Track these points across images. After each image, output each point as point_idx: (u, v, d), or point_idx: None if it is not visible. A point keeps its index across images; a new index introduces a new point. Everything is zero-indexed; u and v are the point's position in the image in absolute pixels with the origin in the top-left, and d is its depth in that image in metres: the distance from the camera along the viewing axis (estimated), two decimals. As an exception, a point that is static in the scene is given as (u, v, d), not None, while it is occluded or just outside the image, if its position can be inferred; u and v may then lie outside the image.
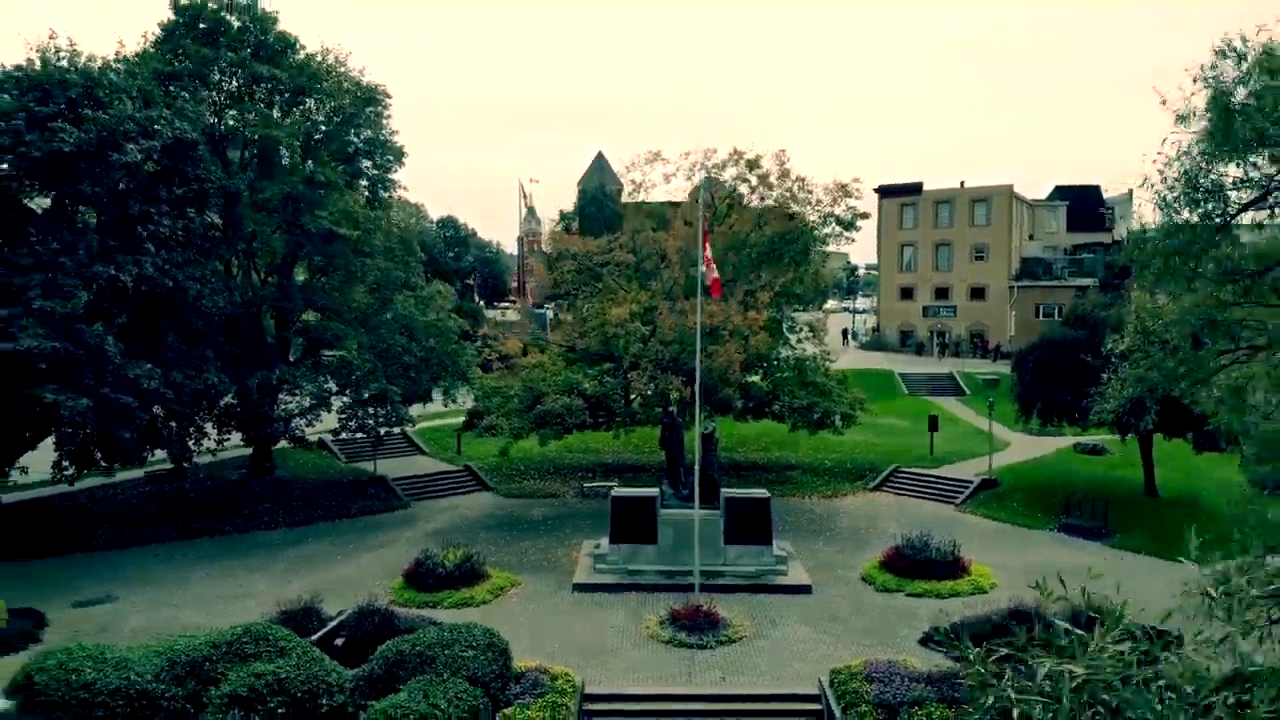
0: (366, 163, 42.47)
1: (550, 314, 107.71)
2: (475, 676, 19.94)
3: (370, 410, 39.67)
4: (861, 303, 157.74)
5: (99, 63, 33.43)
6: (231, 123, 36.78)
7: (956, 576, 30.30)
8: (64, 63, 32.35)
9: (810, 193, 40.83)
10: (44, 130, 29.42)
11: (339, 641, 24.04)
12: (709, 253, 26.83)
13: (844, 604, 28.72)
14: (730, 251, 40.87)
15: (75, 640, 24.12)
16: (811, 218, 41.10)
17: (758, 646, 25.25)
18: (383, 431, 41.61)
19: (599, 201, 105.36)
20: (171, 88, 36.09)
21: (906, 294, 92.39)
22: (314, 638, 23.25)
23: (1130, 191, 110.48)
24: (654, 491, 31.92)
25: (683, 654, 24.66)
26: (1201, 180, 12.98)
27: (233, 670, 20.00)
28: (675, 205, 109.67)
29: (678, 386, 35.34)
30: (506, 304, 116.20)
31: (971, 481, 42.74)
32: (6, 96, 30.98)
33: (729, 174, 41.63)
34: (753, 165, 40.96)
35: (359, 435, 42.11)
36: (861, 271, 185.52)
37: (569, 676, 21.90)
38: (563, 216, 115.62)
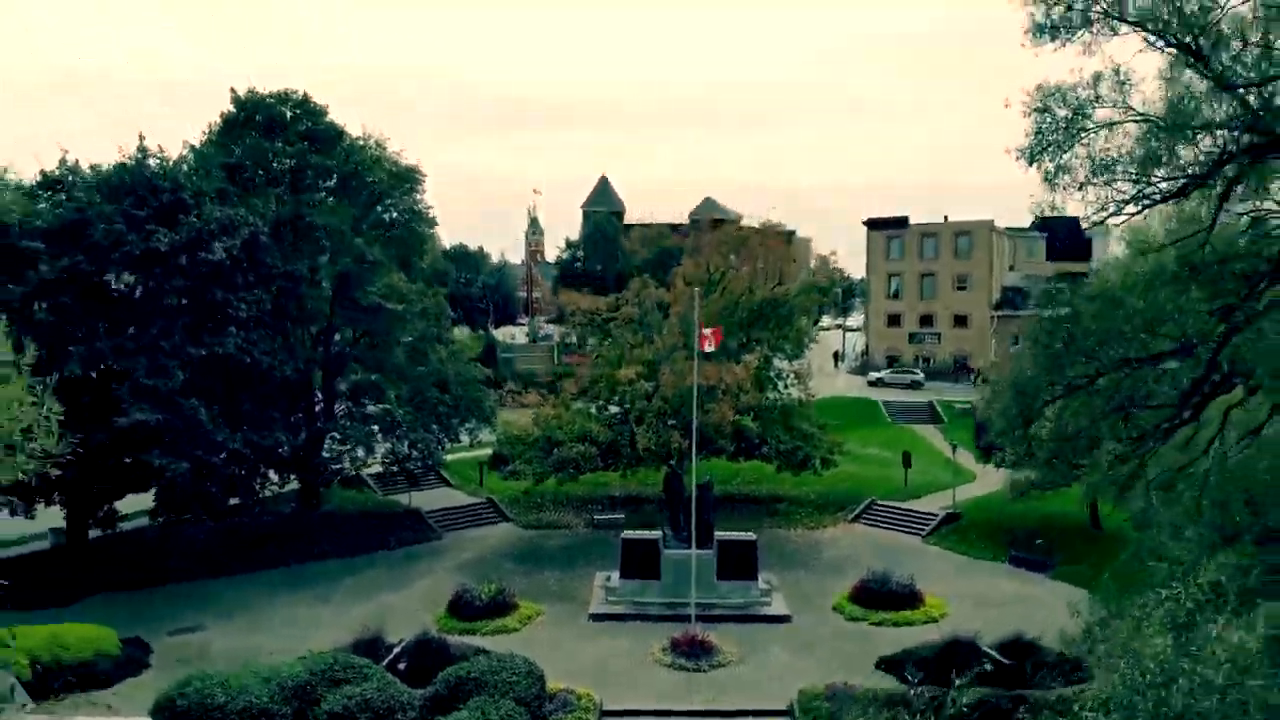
0: (401, 231, 47.95)
1: (556, 337, 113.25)
2: (520, 698, 25.43)
3: (410, 455, 45.24)
4: (855, 318, 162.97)
5: (177, 153, 39.12)
6: (285, 206, 42.13)
7: (914, 607, 35.81)
8: (152, 161, 37.99)
9: (794, 261, 46.38)
10: (141, 231, 34.95)
11: (402, 666, 29.46)
12: (707, 346, 32.41)
13: (817, 632, 34.22)
14: (723, 311, 46.36)
15: (178, 665, 29.78)
16: (792, 286, 46.66)
17: (743, 670, 30.75)
18: (418, 470, 47.25)
19: (603, 230, 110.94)
20: (238, 178, 41.62)
21: (894, 320, 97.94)
22: (384, 664, 28.74)
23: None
24: (657, 534, 37.50)
25: (681, 676, 30.18)
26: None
27: (329, 692, 25.51)
28: (675, 228, 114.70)
29: (677, 441, 40.82)
30: (515, 326, 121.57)
31: (937, 515, 48.24)
32: (98, 195, 36.60)
33: (723, 249, 47.29)
34: (743, 241, 46.58)
35: (397, 471, 47.84)
36: (859, 277, 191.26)
37: (590, 696, 27.44)
38: (569, 245, 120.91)
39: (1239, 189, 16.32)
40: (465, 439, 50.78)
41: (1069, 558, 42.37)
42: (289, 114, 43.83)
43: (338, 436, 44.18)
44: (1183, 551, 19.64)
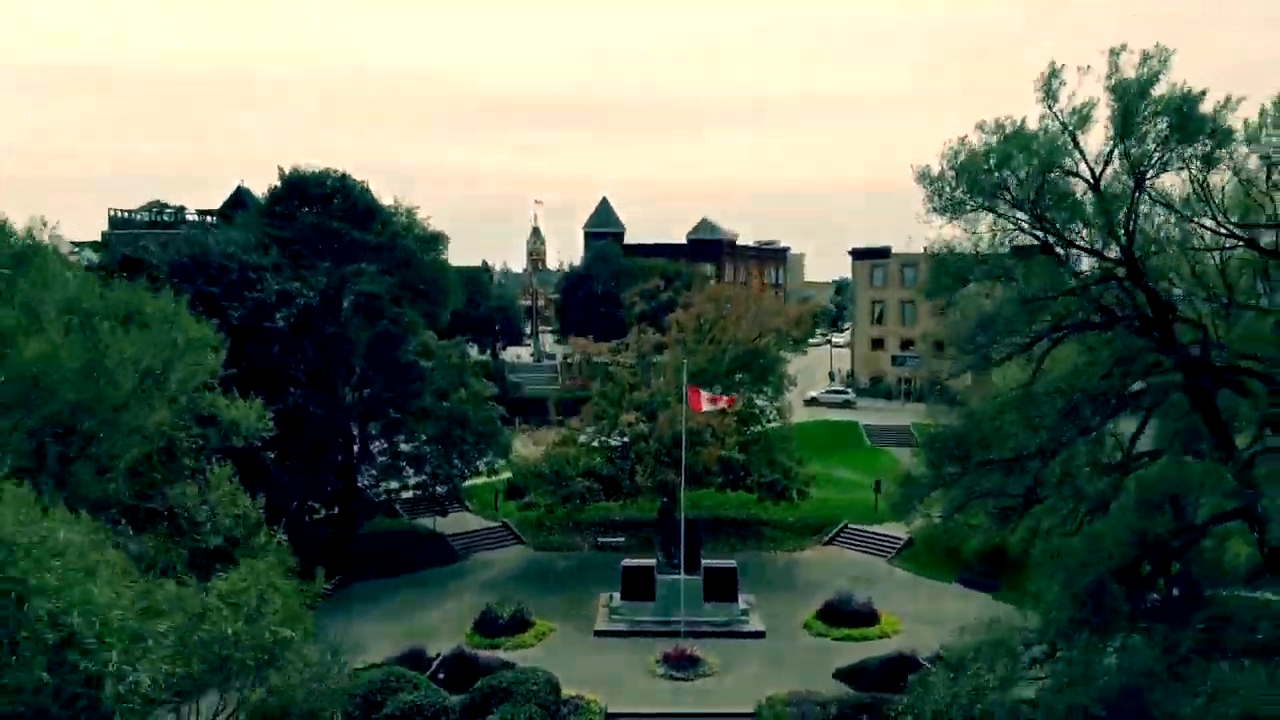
0: (429, 289, 54.10)
1: (560, 358, 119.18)
2: (540, 703, 31.71)
3: (436, 486, 51.60)
4: (847, 333, 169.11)
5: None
6: (331, 276, 48.31)
7: (871, 624, 42.08)
8: (211, 239, 44.24)
9: (774, 316, 52.78)
10: (214, 308, 41.13)
11: (441, 676, 35.76)
12: (703, 403, 38.76)
13: (787, 646, 40.48)
14: (711, 360, 52.63)
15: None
16: (770, 340, 53.04)
17: (723, 679, 37.02)
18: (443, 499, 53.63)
19: (605, 255, 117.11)
20: (288, 251, 47.82)
21: (877, 344, 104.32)
22: (427, 674, 35.00)
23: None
24: (652, 562, 43.78)
25: (671, 685, 36.45)
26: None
27: (388, 699, 31.85)
28: (674, 255, 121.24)
29: (672, 478, 47.06)
30: (521, 347, 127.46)
31: (901, 538, 54.45)
32: (175, 277, 42.79)
33: (709, 308, 53.72)
34: (727, 299, 53.00)
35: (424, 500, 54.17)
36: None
37: (597, 701, 33.72)
38: (572, 270, 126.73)
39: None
40: (483, 468, 56.98)
41: (1014, 579, 48.49)
42: (329, 189, 50.02)
43: (374, 472, 50.42)
44: (1050, 595, 25.97)
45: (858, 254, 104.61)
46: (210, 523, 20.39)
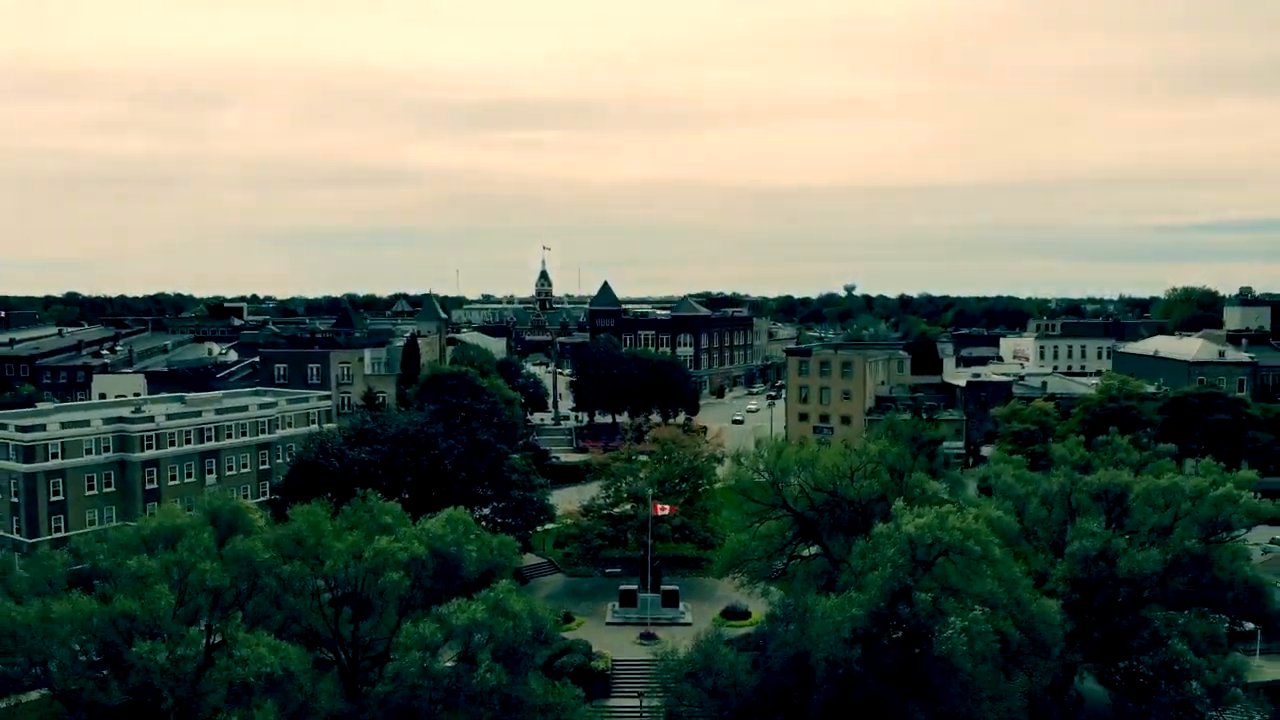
0: (504, 424, 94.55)
1: (572, 420, 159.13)
2: (583, 653, 71.91)
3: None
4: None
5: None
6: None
7: (746, 618, 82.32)
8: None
9: (704, 447, 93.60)
10: (415, 461, 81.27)
11: (535, 644, 75.84)
12: (658, 510, 79.02)
13: (701, 630, 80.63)
14: (668, 473, 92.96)
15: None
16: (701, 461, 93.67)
17: (668, 644, 77.23)
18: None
19: (604, 348, 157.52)
20: (438, 415, 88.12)
21: (803, 418, 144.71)
22: (529, 642, 75.11)
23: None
24: (635, 585, 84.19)
25: (644, 648, 76.67)
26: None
27: (517, 652, 72.19)
28: (661, 328, 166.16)
29: (647, 539, 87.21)
30: (544, 413, 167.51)
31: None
32: (391, 444, 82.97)
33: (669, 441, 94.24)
34: (678, 439, 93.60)
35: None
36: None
37: (608, 654, 74.08)
38: (579, 363, 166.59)
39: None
40: (537, 527, 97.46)
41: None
42: (455, 379, 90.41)
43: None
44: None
45: (790, 352, 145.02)
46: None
